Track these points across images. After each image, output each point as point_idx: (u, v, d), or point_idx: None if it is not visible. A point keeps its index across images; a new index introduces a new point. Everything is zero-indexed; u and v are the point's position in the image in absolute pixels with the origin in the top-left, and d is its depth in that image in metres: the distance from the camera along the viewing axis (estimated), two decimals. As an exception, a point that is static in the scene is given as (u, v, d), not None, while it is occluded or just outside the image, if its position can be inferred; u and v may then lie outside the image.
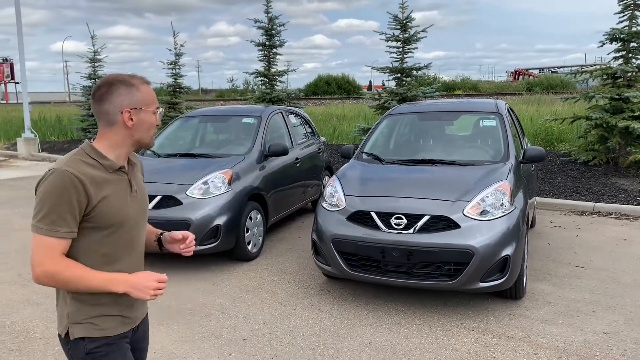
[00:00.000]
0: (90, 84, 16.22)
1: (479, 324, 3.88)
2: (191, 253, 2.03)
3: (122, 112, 1.70)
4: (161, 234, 2.05)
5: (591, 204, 7.38)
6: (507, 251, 3.87)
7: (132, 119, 1.72)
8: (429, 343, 3.61)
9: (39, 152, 15.70)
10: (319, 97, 39.20)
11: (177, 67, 15.95)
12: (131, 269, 1.79)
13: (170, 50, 15.71)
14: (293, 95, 13.71)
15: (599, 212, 7.24)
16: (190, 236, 2.01)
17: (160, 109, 1.82)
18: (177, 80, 16.03)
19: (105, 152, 1.73)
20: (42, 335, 3.80)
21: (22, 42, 15.72)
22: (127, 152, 1.79)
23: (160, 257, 5.51)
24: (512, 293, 4.20)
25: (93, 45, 16.23)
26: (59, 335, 1.78)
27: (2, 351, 3.58)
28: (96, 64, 16.31)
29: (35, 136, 15.97)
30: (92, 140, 1.75)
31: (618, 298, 4.30)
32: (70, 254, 1.68)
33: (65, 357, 1.82)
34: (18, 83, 50.90)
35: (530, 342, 3.58)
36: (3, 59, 57.89)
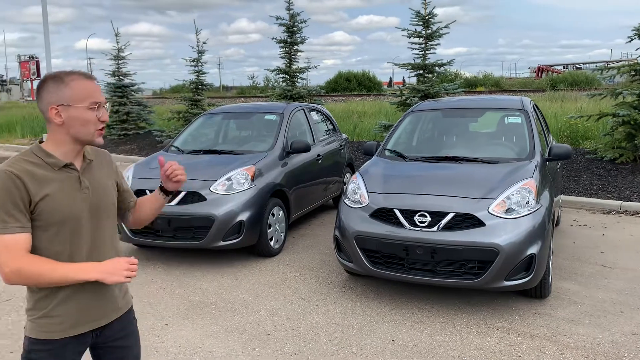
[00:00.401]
0: (115, 81, 16.47)
1: (504, 322, 3.85)
2: (184, 176, 1.94)
3: (50, 109, 1.69)
4: (161, 188, 2.00)
5: (618, 202, 7.25)
6: (533, 250, 3.83)
7: (60, 116, 1.68)
8: (453, 341, 3.59)
9: (64, 148, 16.00)
10: (339, 93, 39.08)
11: (200, 64, 16.09)
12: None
13: (192, 47, 15.85)
14: (314, 92, 13.72)
15: (626, 210, 7.10)
16: (167, 165, 1.93)
17: (108, 104, 1.77)
18: (200, 78, 16.17)
19: (51, 150, 1.72)
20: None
21: (49, 40, 15.99)
22: (75, 149, 1.75)
23: (182, 253, 5.57)
24: (538, 292, 4.15)
25: (117, 42, 16.45)
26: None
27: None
28: (120, 61, 16.53)
29: (60, 132, 16.27)
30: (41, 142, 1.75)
31: (646, 298, 4.22)
32: None
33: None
34: (43, 80, 51.78)
35: (556, 342, 3.53)
36: (29, 57, 58.99)
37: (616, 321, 3.83)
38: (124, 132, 16.05)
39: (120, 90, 16.41)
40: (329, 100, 25.82)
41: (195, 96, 15.36)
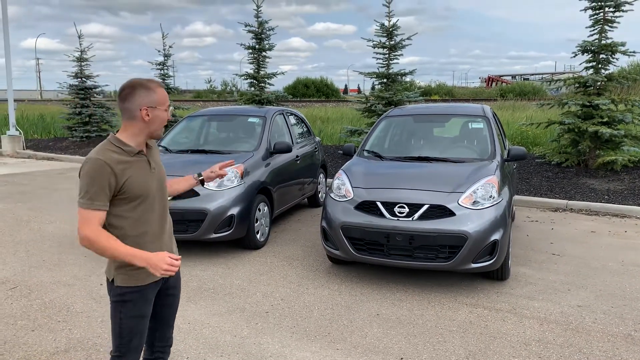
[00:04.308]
0: (77, 83, 16.34)
1: (471, 299, 4.44)
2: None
3: (141, 110, 2.16)
4: (200, 175, 2.69)
5: (564, 201, 8.06)
6: (496, 236, 4.44)
7: (148, 115, 2.17)
8: (429, 315, 4.14)
9: (23, 149, 15.78)
10: (298, 99, 39.68)
11: (165, 67, 16.28)
12: (157, 226, 2.27)
13: (159, 51, 16.05)
14: (281, 97, 14.21)
15: (572, 208, 7.92)
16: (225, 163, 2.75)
17: (171, 107, 2.30)
18: (166, 81, 16.35)
19: (127, 140, 2.18)
20: (83, 309, 4.20)
21: (9, 39, 15.78)
22: (145, 140, 2.24)
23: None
24: (499, 274, 4.76)
25: (80, 44, 16.35)
26: (107, 278, 2.29)
27: (50, 322, 3.98)
28: (83, 63, 16.42)
29: (20, 134, 16.05)
30: (116, 132, 2.24)
31: (589, 279, 4.91)
32: (109, 219, 2.14)
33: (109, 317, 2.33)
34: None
35: (517, 313, 4.14)
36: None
37: (564, 297, 4.48)
38: (86, 134, 15.94)
39: (83, 92, 16.31)
40: (289, 105, 26.32)
41: (162, 99, 15.50)
